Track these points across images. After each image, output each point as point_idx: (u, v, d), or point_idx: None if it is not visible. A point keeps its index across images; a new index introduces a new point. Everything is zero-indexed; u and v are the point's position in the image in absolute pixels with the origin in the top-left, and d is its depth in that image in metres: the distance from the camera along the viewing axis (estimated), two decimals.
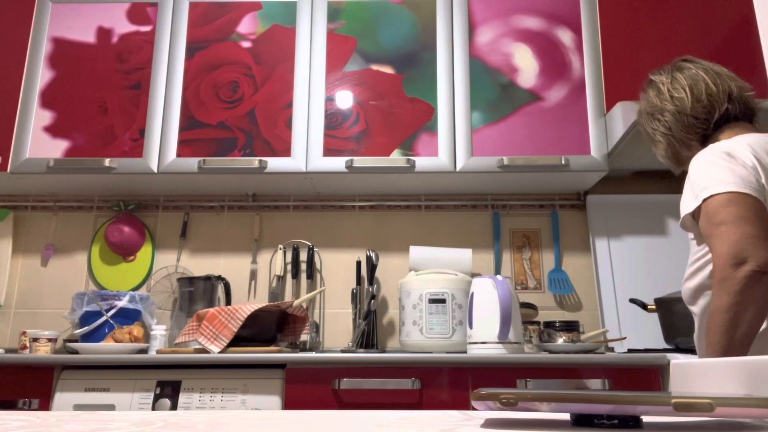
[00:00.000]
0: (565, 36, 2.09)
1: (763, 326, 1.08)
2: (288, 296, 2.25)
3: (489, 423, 0.39)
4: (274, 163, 2.01)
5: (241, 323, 1.68)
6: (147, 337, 2.03)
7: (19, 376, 1.66)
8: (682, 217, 1.21)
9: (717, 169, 1.15)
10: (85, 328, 1.95)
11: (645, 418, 0.41)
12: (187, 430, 0.36)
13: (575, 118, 2.02)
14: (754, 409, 0.33)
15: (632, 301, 1.88)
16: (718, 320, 1.05)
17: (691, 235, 1.26)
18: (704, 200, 1.13)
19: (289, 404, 1.60)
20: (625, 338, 1.94)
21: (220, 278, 2.17)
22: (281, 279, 2.24)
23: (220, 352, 1.65)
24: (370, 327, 1.99)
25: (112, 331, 1.91)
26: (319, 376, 1.62)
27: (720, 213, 1.09)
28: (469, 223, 2.30)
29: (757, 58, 1.99)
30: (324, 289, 2.24)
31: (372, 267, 2.10)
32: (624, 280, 2.14)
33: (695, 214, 1.17)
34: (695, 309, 1.25)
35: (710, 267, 1.17)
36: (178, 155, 2.04)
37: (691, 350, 1.67)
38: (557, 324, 1.86)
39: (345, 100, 2.07)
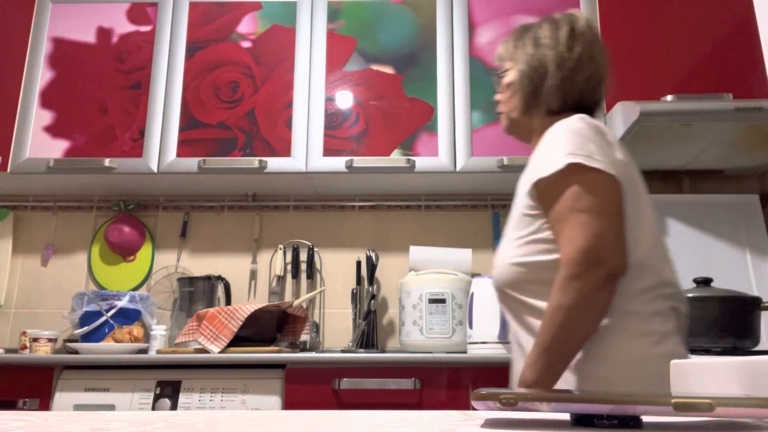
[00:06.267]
0: None
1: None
2: (288, 296, 2.25)
3: (489, 423, 0.39)
4: (274, 163, 2.01)
5: (241, 323, 1.68)
6: (147, 337, 2.03)
7: (19, 376, 1.66)
8: (534, 181, 1.02)
9: (588, 142, 0.99)
10: (85, 328, 1.95)
11: (645, 418, 0.41)
12: (187, 430, 0.36)
13: None
14: (754, 409, 0.33)
15: None
16: (558, 318, 0.93)
17: (525, 209, 1.06)
18: (567, 169, 0.97)
19: (289, 404, 1.60)
20: None
21: (220, 278, 2.17)
22: (281, 279, 2.24)
23: (220, 352, 1.65)
24: (370, 327, 1.99)
25: (112, 331, 1.91)
26: (319, 376, 1.62)
27: (585, 198, 0.95)
28: (469, 223, 2.30)
29: (757, 58, 1.99)
30: (324, 289, 2.24)
31: (372, 267, 2.10)
32: None
33: (546, 185, 1.00)
34: (520, 295, 1.04)
35: (551, 253, 1.00)
36: (178, 155, 2.04)
37: (690, 350, 1.67)
38: None
39: (345, 100, 2.07)
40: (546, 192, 1.01)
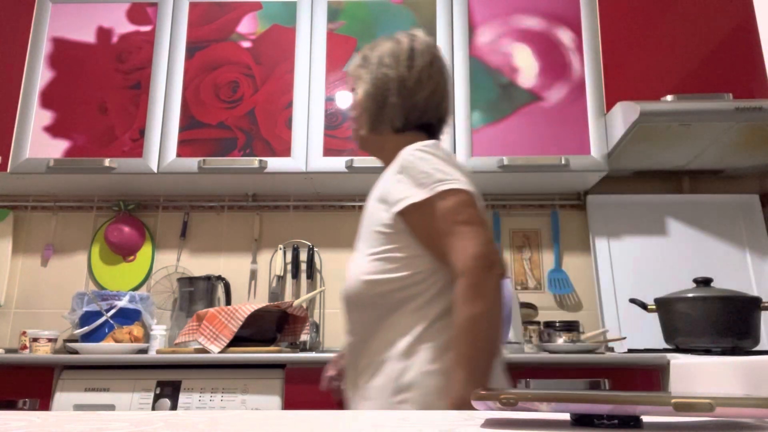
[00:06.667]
0: (565, 36, 2.09)
1: None
2: (288, 296, 2.25)
3: (489, 423, 0.39)
4: (274, 163, 2.01)
5: (241, 323, 1.68)
6: (147, 337, 2.03)
7: (19, 376, 1.66)
8: (404, 206, 1.04)
9: (445, 165, 1.05)
10: (85, 328, 1.95)
11: (645, 418, 0.41)
12: (187, 430, 0.36)
13: (575, 118, 2.02)
14: (754, 409, 0.33)
15: (632, 301, 1.88)
16: (475, 327, 0.95)
17: (379, 225, 1.08)
18: (439, 194, 1.01)
19: (289, 404, 1.60)
20: (625, 338, 1.94)
21: (220, 278, 2.17)
22: (281, 279, 2.24)
23: (220, 352, 1.65)
24: None
25: (112, 331, 1.91)
26: (319, 376, 1.62)
27: (464, 212, 1.01)
28: None
29: (757, 58, 1.99)
30: (324, 289, 2.24)
31: None
32: (624, 280, 2.14)
33: (416, 208, 1.03)
34: (367, 311, 1.07)
35: (401, 271, 1.05)
36: (178, 155, 2.04)
37: (691, 350, 1.67)
38: (557, 324, 1.86)
39: (345, 100, 2.07)
40: (416, 215, 1.04)
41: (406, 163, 1.07)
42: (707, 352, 1.65)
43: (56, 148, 2.06)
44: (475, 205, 1.03)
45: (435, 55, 1.20)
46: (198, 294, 2.10)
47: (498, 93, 2.06)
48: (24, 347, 1.95)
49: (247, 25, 2.15)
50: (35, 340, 1.88)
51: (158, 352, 1.78)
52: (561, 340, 1.82)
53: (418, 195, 1.03)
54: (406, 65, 1.16)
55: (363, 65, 1.21)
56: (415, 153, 1.07)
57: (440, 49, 1.24)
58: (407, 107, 1.16)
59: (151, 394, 1.60)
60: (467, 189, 1.03)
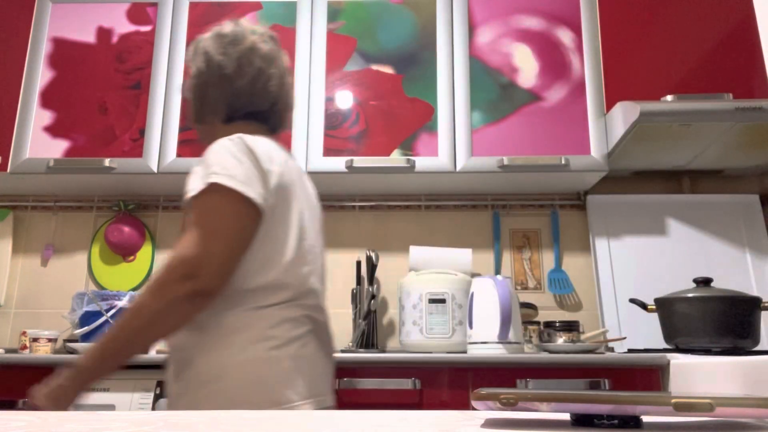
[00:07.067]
0: (565, 36, 2.09)
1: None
2: None
3: (489, 423, 0.39)
4: None
5: None
6: None
7: (19, 376, 1.66)
8: (188, 198, 1.04)
9: (238, 164, 1.01)
10: (85, 328, 1.95)
11: (645, 418, 0.41)
12: (187, 430, 0.36)
13: (575, 118, 2.02)
14: (754, 409, 0.33)
15: (632, 301, 1.88)
16: (136, 315, 0.95)
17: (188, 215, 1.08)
18: (211, 191, 1.00)
19: None
20: (625, 338, 1.94)
21: None
22: None
23: None
24: (370, 327, 1.99)
25: None
26: None
27: (208, 216, 0.98)
28: (469, 223, 2.30)
29: (757, 58, 1.99)
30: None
31: (372, 267, 2.10)
32: (624, 280, 2.14)
33: (193, 199, 1.03)
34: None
35: None
36: (178, 155, 2.04)
37: (691, 350, 1.67)
38: (557, 324, 1.86)
39: (345, 100, 2.07)
40: (192, 204, 1.03)
41: (205, 155, 1.06)
42: (707, 352, 1.65)
43: (56, 148, 2.06)
44: (229, 214, 0.98)
45: (256, 40, 1.18)
46: None
47: (498, 93, 2.06)
48: (24, 347, 1.95)
49: None
50: (35, 340, 1.88)
51: (158, 352, 1.77)
52: (561, 340, 1.82)
53: (197, 189, 1.01)
54: (223, 52, 1.15)
55: (191, 57, 1.21)
56: (214, 145, 1.06)
57: (270, 35, 1.22)
58: (228, 95, 1.15)
59: (151, 394, 1.60)
60: (240, 191, 0.99)
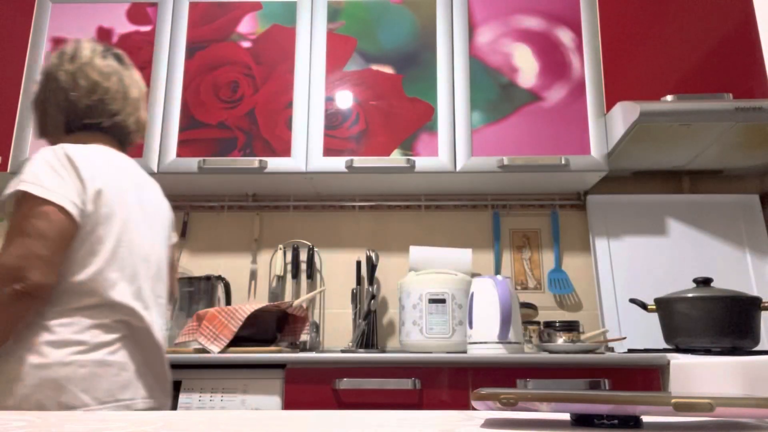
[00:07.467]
0: (565, 36, 2.10)
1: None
2: (288, 296, 2.25)
3: (489, 423, 0.39)
4: (274, 163, 2.01)
5: (241, 323, 1.68)
6: None
7: None
8: (5, 196, 1.11)
9: (52, 173, 1.09)
10: None
11: (645, 418, 0.41)
12: (187, 430, 0.36)
13: (575, 118, 2.02)
14: (754, 409, 0.33)
15: (632, 301, 1.88)
16: None
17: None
18: (24, 194, 1.07)
19: (289, 404, 1.60)
20: (625, 338, 1.94)
21: (220, 278, 2.17)
22: (281, 279, 2.24)
23: (220, 352, 1.65)
24: (370, 327, 1.99)
25: None
26: (319, 376, 1.62)
27: (26, 222, 1.05)
28: (469, 223, 2.30)
29: (757, 58, 1.99)
30: (324, 289, 2.24)
31: (372, 267, 2.10)
32: (624, 280, 2.14)
33: (8, 205, 1.11)
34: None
35: None
36: (178, 155, 2.04)
37: (691, 350, 1.67)
38: (557, 324, 1.86)
39: (345, 100, 2.07)
40: (9, 209, 1.10)
41: (30, 160, 1.12)
42: (707, 352, 1.65)
43: None
44: (44, 219, 1.05)
45: (93, 56, 1.25)
46: (198, 294, 2.10)
47: (498, 93, 2.06)
48: None
49: (247, 25, 2.15)
50: None
51: None
52: (561, 340, 1.82)
53: (8, 192, 1.09)
54: (61, 68, 1.24)
55: (41, 72, 1.30)
56: (36, 155, 1.13)
57: (115, 52, 1.30)
58: (64, 107, 1.23)
59: None
60: (50, 200, 1.06)
